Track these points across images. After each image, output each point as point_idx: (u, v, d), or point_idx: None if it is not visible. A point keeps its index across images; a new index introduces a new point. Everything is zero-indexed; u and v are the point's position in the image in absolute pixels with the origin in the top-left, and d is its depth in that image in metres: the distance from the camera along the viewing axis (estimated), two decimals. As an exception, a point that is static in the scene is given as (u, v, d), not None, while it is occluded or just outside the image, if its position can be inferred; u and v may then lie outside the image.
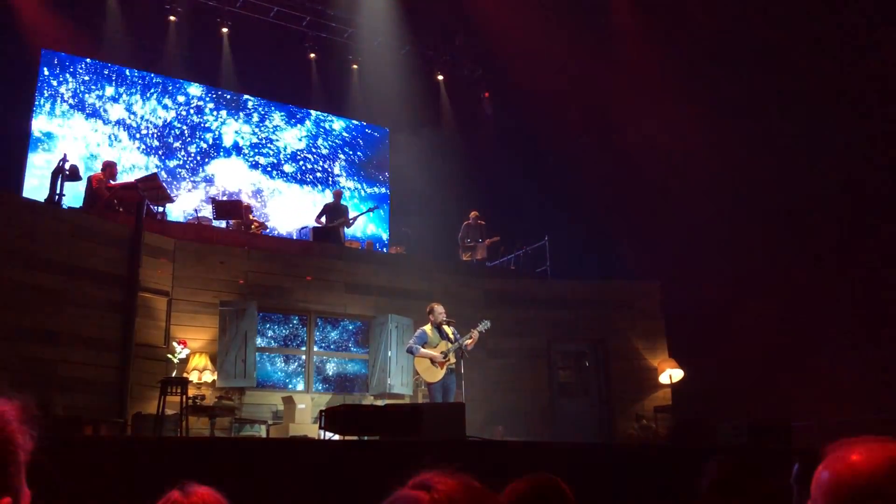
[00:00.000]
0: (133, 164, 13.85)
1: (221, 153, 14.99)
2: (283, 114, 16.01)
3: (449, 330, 8.39)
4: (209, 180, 14.72)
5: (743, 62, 12.00)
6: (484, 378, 10.75)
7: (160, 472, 3.92)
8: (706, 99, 11.89)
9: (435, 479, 1.06)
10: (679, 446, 6.83)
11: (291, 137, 15.93)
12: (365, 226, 15.68)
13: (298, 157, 15.84)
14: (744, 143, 11.97)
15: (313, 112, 16.30)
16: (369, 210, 13.88)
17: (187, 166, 14.59)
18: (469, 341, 8.25)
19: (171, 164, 14.44)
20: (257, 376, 9.63)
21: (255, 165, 15.27)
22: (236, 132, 15.27)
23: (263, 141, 15.58)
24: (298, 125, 16.10)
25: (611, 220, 13.30)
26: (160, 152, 14.35)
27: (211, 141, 15.00)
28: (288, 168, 15.67)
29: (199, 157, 14.78)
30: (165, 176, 13.87)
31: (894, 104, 10.27)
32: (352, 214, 12.92)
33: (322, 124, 16.42)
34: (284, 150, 15.75)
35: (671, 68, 12.56)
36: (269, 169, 15.40)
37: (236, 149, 15.27)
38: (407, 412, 6.08)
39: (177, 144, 14.61)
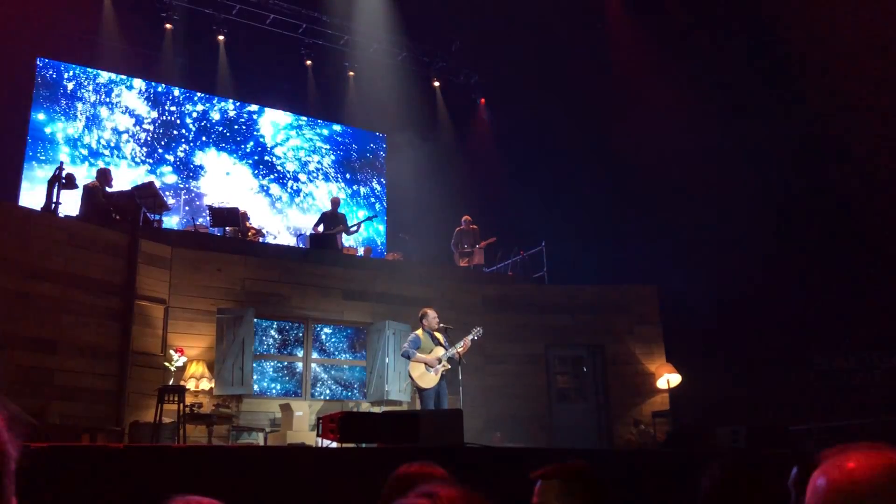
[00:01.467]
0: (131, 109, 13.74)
1: (235, 154, 14.84)
2: (340, 175, 15.73)
3: (440, 337, 8.35)
4: (192, 170, 14.44)
5: (743, 61, 12.03)
6: (482, 384, 10.73)
7: (157, 481, 3.91)
8: (705, 101, 11.92)
9: (438, 488, 1.07)
10: (677, 451, 6.82)
11: (324, 192, 15.55)
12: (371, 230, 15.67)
13: (314, 210, 15.33)
14: (742, 146, 12.00)
15: (377, 186, 16.12)
16: (368, 218, 13.86)
17: (176, 152, 14.26)
18: (461, 349, 8.20)
19: (149, 117, 13.99)
20: (255, 384, 9.61)
21: (263, 189, 15.12)
22: (274, 150, 15.04)
23: (288, 175, 15.37)
24: (346, 186, 15.85)
25: (607, 224, 13.31)
26: (157, 108, 14.06)
27: (236, 126, 14.67)
28: (293, 214, 15.32)
29: (194, 138, 14.43)
30: (142, 136, 13.64)
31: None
32: (352, 223, 12.93)
33: (372, 198, 15.99)
34: (306, 196, 15.50)
35: (669, 71, 12.60)
36: (275, 202, 15.18)
37: (259, 158, 15.05)
38: (405, 419, 6.07)
39: (172, 108, 14.35)
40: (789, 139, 11.37)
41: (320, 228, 12.50)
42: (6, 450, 0.99)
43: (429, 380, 8.13)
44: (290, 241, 14.26)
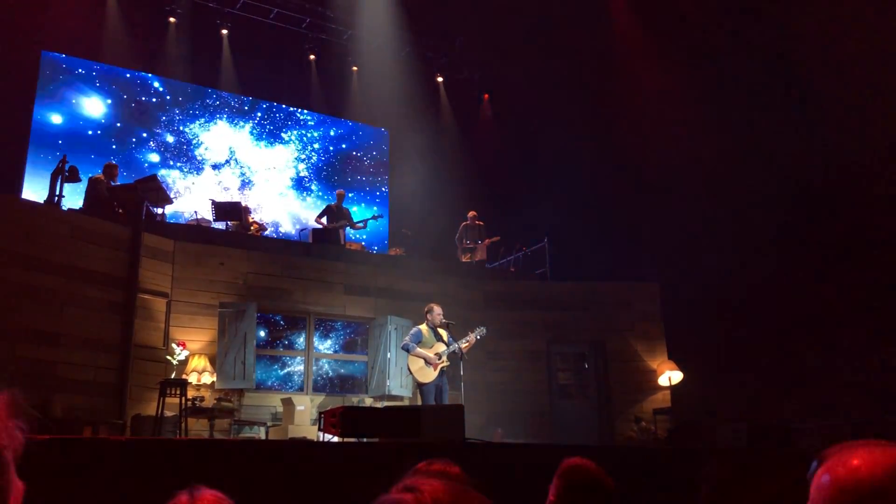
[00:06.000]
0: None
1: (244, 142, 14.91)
2: (342, 170, 15.85)
3: (443, 332, 8.35)
4: (197, 163, 14.50)
5: (741, 62, 12.00)
6: (483, 380, 10.74)
7: (159, 475, 3.92)
8: (706, 100, 11.89)
9: (420, 481, 1.05)
10: (678, 448, 6.82)
11: (326, 186, 15.79)
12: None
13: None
14: (744, 144, 11.98)
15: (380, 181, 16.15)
16: (374, 217, 13.83)
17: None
18: (465, 345, 8.21)
19: (149, 112, 14.12)
20: (256, 378, 9.62)
21: (271, 182, 15.24)
22: (276, 147, 15.15)
23: (292, 169, 15.43)
24: (348, 181, 15.87)
25: (610, 221, 13.30)
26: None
27: (239, 122, 14.69)
28: (296, 206, 15.56)
29: (195, 132, 14.53)
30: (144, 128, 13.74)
31: None
32: (358, 220, 12.94)
33: (376, 194, 16.03)
34: (309, 190, 15.57)
35: (670, 69, 12.57)
36: (279, 194, 15.32)
37: (261, 154, 15.08)
38: (406, 414, 6.08)
39: (173, 102, 14.43)
40: (795, 138, 11.34)
41: (324, 221, 12.50)
42: (1, 441, 0.99)
43: (427, 374, 8.14)
44: (292, 231, 14.32)
